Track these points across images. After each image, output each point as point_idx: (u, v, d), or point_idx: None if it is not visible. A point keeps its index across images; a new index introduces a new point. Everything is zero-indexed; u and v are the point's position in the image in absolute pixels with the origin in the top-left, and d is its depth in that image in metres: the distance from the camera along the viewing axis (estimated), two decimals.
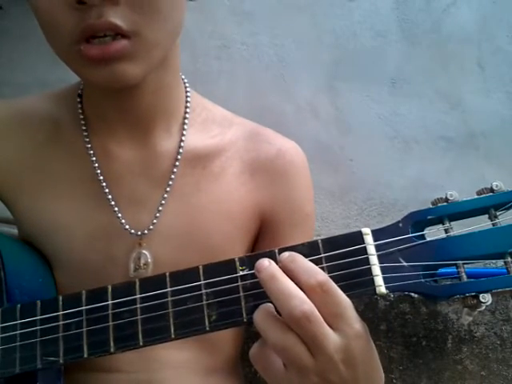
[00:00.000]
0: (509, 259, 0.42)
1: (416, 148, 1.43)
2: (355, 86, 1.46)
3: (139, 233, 0.59)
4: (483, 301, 0.41)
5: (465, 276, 0.42)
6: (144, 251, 0.59)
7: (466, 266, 0.43)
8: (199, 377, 0.63)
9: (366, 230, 0.44)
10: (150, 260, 0.59)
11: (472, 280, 0.42)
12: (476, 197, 0.44)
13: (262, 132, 0.66)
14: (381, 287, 0.42)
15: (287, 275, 0.41)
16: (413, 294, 1.15)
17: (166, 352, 0.62)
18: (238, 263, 0.44)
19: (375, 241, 0.43)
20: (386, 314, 1.16)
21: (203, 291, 0.44)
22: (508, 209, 0.43)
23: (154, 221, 0.59)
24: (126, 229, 0.59)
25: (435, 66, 1.44)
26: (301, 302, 0.39)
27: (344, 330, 0.40)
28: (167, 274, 0.46)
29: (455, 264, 0.42)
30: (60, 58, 0.53)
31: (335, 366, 0.40)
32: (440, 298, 0.43)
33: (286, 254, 0.42)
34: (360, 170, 1.43)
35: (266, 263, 0.41)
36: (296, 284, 0.40)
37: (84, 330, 0.46)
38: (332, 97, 1.47)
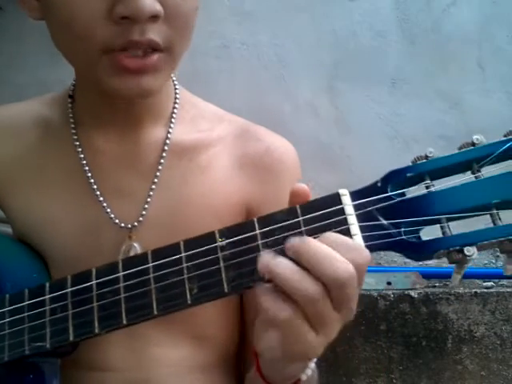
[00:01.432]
0: (494, 211, 0.40)
1: (416, 147, 1.43)
2: (355, 86, 1.46)
3: (129, 225, 0.60)
4: (468, 254, 0.39)
5: (449, 231, 0.40)
6: (134, 244, 0.59)
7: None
8: (195, 375, 0.63)
9: (344, 191, 0.43)
10: (139, 252, 0.59)
11: (456, 234, 0.40)
12: (456, 151, 0.42)
13: (253, 129, 0.67)
14: None
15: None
16: (412, 294, 1.16)
17: (161, 350, 0.62)
18: (217, 235, 0.44)
19: (353, 201, 0.42)
20: (386, 313, 1.16)
21: (184, 265, 0.44)
22: (491, 162, 0.41)
23: (143, 212, 0.60)
24: (116, 222, 0.60)
25: (435, 66, 1.44)
26: (345, 263, 0.39)
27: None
28: (149, 251, 0.46)
29: (438, 219, 0.41)
30: (80, 66, 0.55)
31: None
32: (423, 255, 0.41)
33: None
34: (360, 170, 1.43)
35: (296, 239, 0.41)
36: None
37: (69, 312, 0.47)
38: (332, 97, 1.47)
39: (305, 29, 1.48)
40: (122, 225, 0.60)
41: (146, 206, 0.60)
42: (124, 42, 0.48)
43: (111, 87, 0.52)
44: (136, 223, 0.60)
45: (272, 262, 0.41)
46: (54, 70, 1.36)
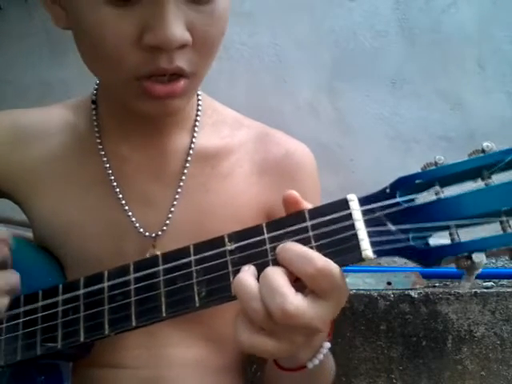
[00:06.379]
0: (504, 218, 0.39)
1: (416, 148, 1.43)
2: (355, 86, 1.46)
3: (153, 234, 0.60)
4: (477, 260, 0.39)
5: (457, 237, 0.40)
6: (157, 252, 0.60)
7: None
8: (207, 376, 0.63)
9: (352, 197, 0.43)
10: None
11: (465, 240, 0.40)
12: (466, 158, 0.41)
13: (272, 134, 0.67)
14: (367, 251, 0.41)
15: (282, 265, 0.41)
16: (412, 294, 1.16)
17: (175, 350, 0.62)
18: (226, 239, 0.44)
19: (361, 206, 0.42)
20: (386, 313, 1.16)
21: (193, 269, 0.44)
22: (501, 169, 0.40)
23: (167, 221, 0.60)
24: (140, 232, 0.60)
25: (435, 66, 1.44)
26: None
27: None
28: (159, 254, 0.47)
29: (447, 226, 0.40)
30: (107, 85, 0.56)
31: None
32: (431, 261, 0.41)
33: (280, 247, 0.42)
34: (360, 170, 1.43)
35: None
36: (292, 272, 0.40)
37: (81, 314, 0.47)
38: (332, 97, 1.47)
39: (305, 29, 1.48)
40: (147, 234, 0.60)
41: (170, 215, 0.60)
42: (152, 69, 0.48)
43: (139, 109, 0.53)
44: (160, 232, 0.60)
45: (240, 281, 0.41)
46: (55, 70, 1.36)
